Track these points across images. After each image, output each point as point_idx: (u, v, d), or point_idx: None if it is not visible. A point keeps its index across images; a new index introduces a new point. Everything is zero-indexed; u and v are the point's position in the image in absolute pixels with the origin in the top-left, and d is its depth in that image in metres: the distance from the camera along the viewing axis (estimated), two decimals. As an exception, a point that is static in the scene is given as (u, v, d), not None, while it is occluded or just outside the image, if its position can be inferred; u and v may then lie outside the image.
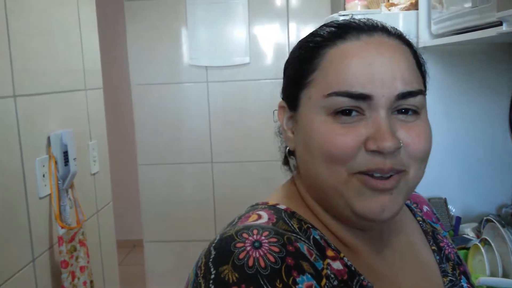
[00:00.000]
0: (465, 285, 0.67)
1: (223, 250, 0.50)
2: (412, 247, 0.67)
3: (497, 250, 1.24)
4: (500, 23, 0.95)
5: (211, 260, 0.50)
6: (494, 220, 1.33)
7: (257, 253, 0.49)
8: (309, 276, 0.50)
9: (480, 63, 1.59)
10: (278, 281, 0.48)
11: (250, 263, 0.48)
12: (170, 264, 2.77)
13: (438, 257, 0.68)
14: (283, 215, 0.59)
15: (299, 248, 0.52)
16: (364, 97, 0.54)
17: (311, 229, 0.58)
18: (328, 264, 0.55)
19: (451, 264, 0.69)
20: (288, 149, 0.65)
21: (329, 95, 0.55)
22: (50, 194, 1.38)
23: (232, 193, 2.69)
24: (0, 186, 1.17)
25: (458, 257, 0.71)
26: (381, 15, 1.63)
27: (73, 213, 1.48)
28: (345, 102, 0.55)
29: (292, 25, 2.66)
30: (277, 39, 2.67)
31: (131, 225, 3.88)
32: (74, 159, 1.46)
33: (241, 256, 0.49)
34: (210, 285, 0.48)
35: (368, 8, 1.75)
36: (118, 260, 2.01)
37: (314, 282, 0.50)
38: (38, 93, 1.37)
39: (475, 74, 1.59)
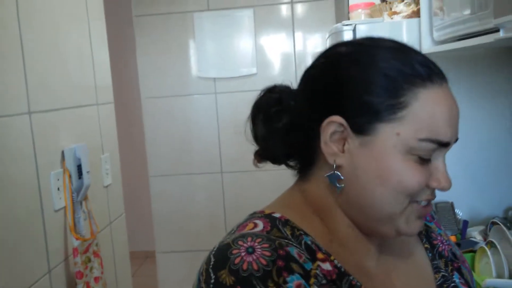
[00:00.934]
0: (457, 280, 0.70)
1: (221, 256, 0.56)
2: (405, 246, 0.71)
3: (503, 252, 1.25)
4: (497, 29, 0.97)
5: (211, 266, 0.56)
6: (500, 223, 1.34)
7: (250, 257, 0.55)
8: (298, 275, 0.55)
9: (483, 67, 1.60)
10: (269, 281, 0.53)
11: (244, 267, 0.54)
12: (182, 274, 2.79)
13: (430, 254, 0.72)
14: (277, 223, 0.63)
15: (289, 252, 0.57)
16: (446, 145, 0.60)
17: (303, 235, 0.62)
18: (318, 266, 0.59)
19: (444, 261, 0.72)
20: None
21: (424, 140, 0.58)
22: (65, 207, 1.42)
23: (243, 202, 2.72)
24: (17, 199, 1.21)
25: (453, 254, 0.75)
26: (384, 24, 1.65)
27: (87, 224, 1.51)
28: (431, 149, 0.59)
29: (298, 35, 2.70)
30: (283, 49, 2.70)
31: (144, 236, 3.92)
32: (88, 172, 1.50)
33: (236, 261, 0.55)
34: (211, 283, 0.54)
35: (371, 17, 1.78)
36: (131, 271, 2.04)
37: (303, 281, 0.55)
38: (52, 109, 1.41)
39: (479, 79, 1.61)
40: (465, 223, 1.51)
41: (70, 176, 1.43)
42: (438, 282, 0.69)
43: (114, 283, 1.80)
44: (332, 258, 0.62)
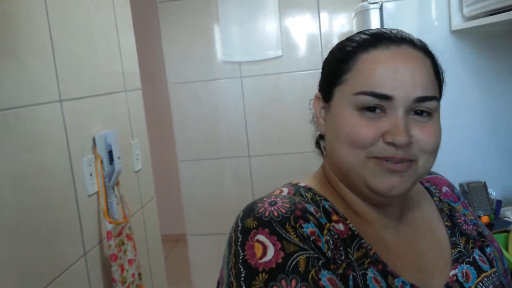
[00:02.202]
0: (476, 257, 0.75)
1: (248, 210, 0.66)
2: (426, 223, 0.77)
3: (538, 232, 1.22)
4: (531, 3, 0.94)
5: (239, 218, 0.66)
6: (535, 202, 1.31)
7: (272, 208, 0.65)
8: (313, 224, 0.64)
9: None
10: (287, 224, 0.62)
11: (266, 214, 0.64)
12: (213, 256, 2.84)
13: (450, 232, 0.78)
14: (300, 190, 0.72)
15: (307, 207, 0.66)
16: (386, 97, 0.66)
17: (323, 200, 0.71)
18: (332, 225, 0.67)
19: (465, 238, 0.77)
20: (319, 134, 0.78)
21: (358, 93, 0.67)
22: (97, 192, 1.45)
23: (270, 185, 2.70)
24: (52, 186, 1.25)
25: (479, 233, 0.79)
26: (412, 1, 1.61)
27: (119, 209, 1.55)
28: (369, 100, 0.66)
29: (324, 16, 2.66)
30: (308, 31, 2.67)
31: (174, 220, 3.99)
32: (119, 157, 1.53)
33: (260, 211, 0.65)
34: (238, 234, 0.64)
35: (399, -6, 1.73)
36: (164, 254, 2.09)
37: (317, 230, 0.64)
38: (82, 97, 1.45)
39: (510, 56, 1.56)
40: (499, 202, 1.48)
41: (101, 162, 1.47)
42: (454, 257, 0.74)
43: (147, 265, 1.84)
44: (348, 222, 0.69)
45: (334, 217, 0.69)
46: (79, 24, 1.47)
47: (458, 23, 1.51)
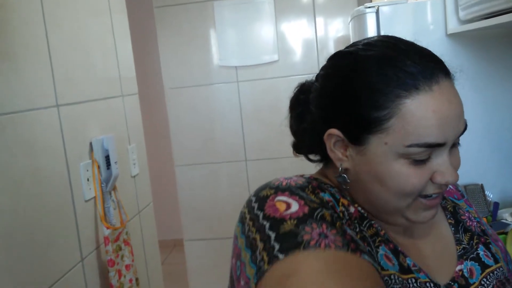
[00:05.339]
0: (481, 252, 0.75)
1: (260, 188, 0.67)
2: (431, 222, 0.76)
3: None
4: (527, 6, 0.95)
5: (252, 195, 0.66)
6: (532, 204, 1.31)
7: (288, 180, 0.67)
8: (329, 195, 0.67)
9: (511, 46, 1.56)
10: (306, 189, 0.65)
11: (283, 183, 0.66)
12: (210, 261, 2.83)
13: (453, 229, 0.78)
14: (307, 178, 0.72)
15: (320, 184, 0.68)
16: (439, 145, 0.62)
17: (329, 188, 0.70)
18: (343, 205, 0.68)
19: (469, 235, 0.77)
20: (342, 169, 0.71)
21: (410, 146, 0.62)
22: (94, 197, 1.45)
23: (268, 190, 2.72)
24: (49, 191, 1.24)
25: (483, 231, 0.79)
26: (408, 5, 1.62)
27: (116, 214, 1.55)
28: (423, 151, 0.62)
29: (319, 20, 2.67)
30: (304, 35, 2.68)
31: (171, 225, 3.98)
32: (116, 162, 1.53)
33: (276, 183, 0.66)
34: (253, 203, 0.64)
35: (394, -2, 1.74)
36: (161, 259, 2.08)
37: (333, 199, 0.66)
38: (79, 102, 1.44)
39: (507, 58, 1.57)
40: (496, 204, 1.48)
41: (98, 167, 1.46)
42: (459, 253, 0.74)
43: (144, 270, 1.83)
44: (356, 205, 0.70)
45: (344, 200, 0.69)
46: (76, 30, 1.47)
47: (454, 26, 1.52)
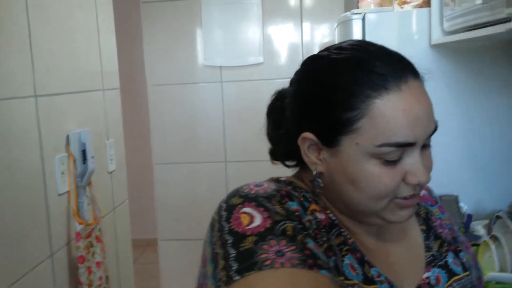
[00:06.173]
0: (450, 260, 0.75)
1: (232, 192, 0.67)
2: (402, 226, 0.77)
3: (506, 246, 1.24)
4: (509, 19, 0.96)
5: (223, 201, 0.66)
6: (504, 217, 1.33)
7: (258, 188, 0.66)
8: (297, 203, 0.66)
9: (493, 59, 1.58)
10: (273, 199, 0.64)
11: (252, 192, 0.65)
12: (184, 262, 2.80)
13: (424, 235, 0.78)
14: (280, 182, 0.73)
15: (291, 191, 0.68)
16: (410, 144, 0.63)
17: (303, 192, 0.71)
18: (314, 210, 0.68)
19: (439, 242, 0.77)
20: (316, 172, 0.72)
21: (381, 145, 0.62)
22: (68, 191, 1.42)
23: (246, 192, 2.71)
24: (21, 183, 1.21)
25: (454, 238, 0.79)
26: (393, 13, 1.63)
27: (90, 210, 1.52)
28: (394, 151, 0.63)
29: (306, 25, 2.67)
30: (291, 39, 2.68)
31: (146, 224, 3.93)
32: (92, 157, 1.50)
33: (245, 190, 0.66)
34: (222, 212, 0.64)
35: (381, 6, 1.76)
36: (133, 258, 2.04)
37: (300, 208, 0.66)
38: (58, 93, 1.41)
39: (488, 71, 1.59)
40: (469, 217, 1.50)
41: (74, 161, 1.43)
42: (428, 260, 0.74)
43: (115, 269, 1.80)
44: (328, 212, 0.70)
45: (315, 206, 0.69)
46: (60, 20, 1.44)
47: (438, 37, 1.54)
